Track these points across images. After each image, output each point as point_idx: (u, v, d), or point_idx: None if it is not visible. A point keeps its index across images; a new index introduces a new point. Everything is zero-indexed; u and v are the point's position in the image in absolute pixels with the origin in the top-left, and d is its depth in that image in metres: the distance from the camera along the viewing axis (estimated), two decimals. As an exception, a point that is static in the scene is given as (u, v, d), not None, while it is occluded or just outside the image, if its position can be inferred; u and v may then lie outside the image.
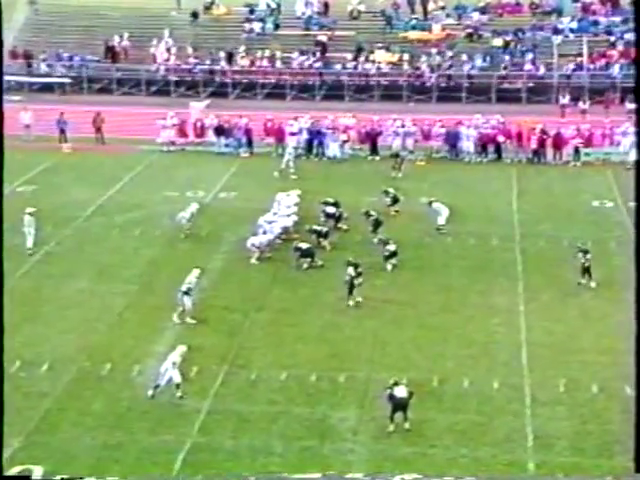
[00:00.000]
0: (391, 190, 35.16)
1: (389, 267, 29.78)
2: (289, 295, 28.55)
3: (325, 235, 31.56)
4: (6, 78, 53.87)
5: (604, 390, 22.82)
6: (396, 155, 40.51)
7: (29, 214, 31.00)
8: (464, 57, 53.04)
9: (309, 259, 30.00)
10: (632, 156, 41.08)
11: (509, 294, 28.24)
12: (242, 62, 54.33)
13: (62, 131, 44.38)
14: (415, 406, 22.08)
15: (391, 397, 21.02)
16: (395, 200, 34.91)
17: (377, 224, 32.02)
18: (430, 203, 33.67)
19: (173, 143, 44.29)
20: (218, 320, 26.78)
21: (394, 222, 33.83)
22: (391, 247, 29.98)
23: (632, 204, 35.51)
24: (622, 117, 44.25)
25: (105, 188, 37.84)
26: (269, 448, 20.61)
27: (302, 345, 25.22)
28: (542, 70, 52.18)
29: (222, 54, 54.52)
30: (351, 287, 27.15)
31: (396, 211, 34.76)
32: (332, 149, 42.98)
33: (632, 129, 41.84)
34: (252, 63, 54.28)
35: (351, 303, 27.15)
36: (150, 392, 22.37)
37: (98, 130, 44.90)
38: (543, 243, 32.44)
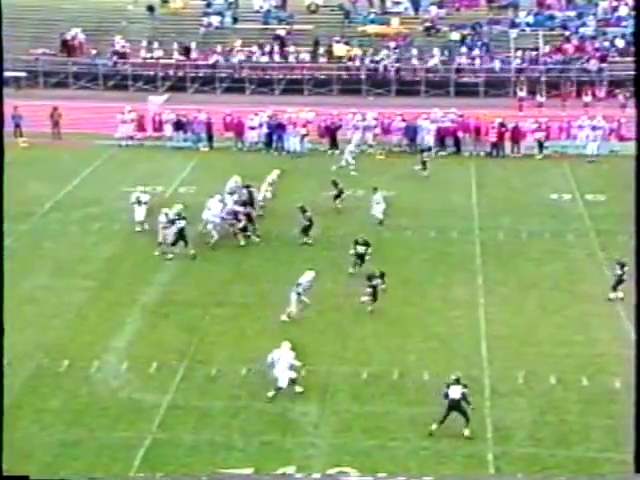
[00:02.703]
0: (339, 183, 34.98)
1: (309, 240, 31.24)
2: (249, 290, 28.52)
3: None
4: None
5: (561, 381, 23.03)
6: (425, 150, 40.20)
7: None
8: (422, 51, 53.18)
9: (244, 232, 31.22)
10: (590, 149, 41.48)
11: (469, 287, 28.40)
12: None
13: (17, 126, 44.01)
14: (376, 399, 22.27)
15: (446, 396, 20.82)
16: (340, 193, 34.64)
17: (310, 223, 31.48)
18: (375, 189, 33.58)
19: (131, 138, 44.08)
20: (178, 315, 26.71)
21: (353, 216, 33.88)
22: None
23: (589, 197, 36.10)
24: (579, 111, 44.65)
25: (62, 183, 37.61)
26: (230, 443, 20.61)
27: (263, 340, 25.14)
28: (499, 64, 52.42)
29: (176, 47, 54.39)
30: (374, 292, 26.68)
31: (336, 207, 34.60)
32: (292, 143, 42.97)
33: (588, 122, 42.32)
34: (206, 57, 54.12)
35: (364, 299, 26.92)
36: (271, 394, 22.13)
37: (55, 125, 44.63)
38: (502, 236, 32.64)
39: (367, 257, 28.50)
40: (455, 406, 20.70)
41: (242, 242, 31.35)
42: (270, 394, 22.06)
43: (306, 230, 31.40)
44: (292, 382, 22.18)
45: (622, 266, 27.01)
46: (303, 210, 31.52)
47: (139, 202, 32.61)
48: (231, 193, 33.07)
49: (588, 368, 23.61)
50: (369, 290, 26.44)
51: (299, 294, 26.17)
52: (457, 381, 20.94)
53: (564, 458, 20.09)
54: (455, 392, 20.77)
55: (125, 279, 29.18)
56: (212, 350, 24.72)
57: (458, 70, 52.28)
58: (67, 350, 24.61)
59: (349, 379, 22.91)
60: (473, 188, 37.83)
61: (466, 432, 20.66)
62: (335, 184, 34.69)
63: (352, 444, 20.55)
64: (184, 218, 30.58)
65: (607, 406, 22.03)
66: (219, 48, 54.05)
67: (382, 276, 26.53)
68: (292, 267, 29.71)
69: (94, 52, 54.78)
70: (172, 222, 30.62)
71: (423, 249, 31.48)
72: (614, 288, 27.22)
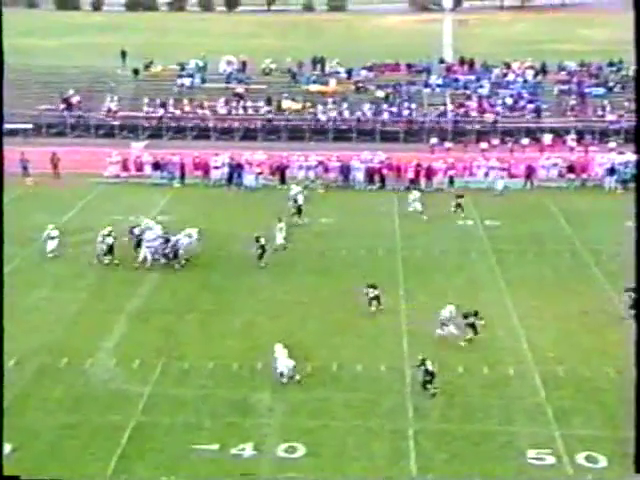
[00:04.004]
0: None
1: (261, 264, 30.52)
2: (215, 299, 28.34)
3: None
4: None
5: (467, 370, 23.18)
6: (460, 196, 37.85)
7: None
8: (354, 105, 53.57)
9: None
10: (498, 186, 41.55)
11: (392, 295, 28.35)
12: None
13: (25, 168, 43.50)
14: (318, 387, 22.21)
15: (426, 370, 21.50)
16: (299, 210, 35.81)
17: (263, 251, 30.80)
18: (279, 219, 33.16)
19: (118, 176, 43.74)
20: (156, 321, 26.46)
21: (301, 237, 33.92)
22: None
23: (488, 222, 36.38)
24: (477, 154, 45.20)
25: (61, 214, 37.07)
26: (200, 424, 20.46)
27: (226, 340, 25.08)
28: (415, 116, 52.91)
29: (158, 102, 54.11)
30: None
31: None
32: (248, 180, 42.89)
33: (484, 163, 42.93)
34: (182, 110, 53.96)
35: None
36: (285, 380, 22.21)
37: (55, 167, 44.14)
38: (419, 253, 32.79)
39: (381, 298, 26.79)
40: (432, 374, 21.42)
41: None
42: (284, 380, 22.20)
43: (261, 256, 30.76)
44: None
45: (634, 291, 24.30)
46: (257, 240, 30.87)
47: (51, 237, 32.01)
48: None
49: (488, 359, 23.80)
50: (468, 326, 24.78)
51: (444, 324, 24.91)
52: (424, 360, 21.76)
53: (469, 432, 20.23)
54: (430, 365, 21.53)
55: (112, 291, 28.86)
56: (185, 349, 24.51)
57: (383, 121, 52.67)
58: (66, 350, 24.26)
59: (296, 371, 22.80)
60: (395, 215, 37.99)
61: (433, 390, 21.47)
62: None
63: (300, 424, 20.50)
64: (114, 237, 31.06)
65: (503, 389, 22.25)
66: (191, 103, 54.03)
67: (476, 314, 24.81)
68: (250, 280, 29.70)
69: (88, 107, 54.42)
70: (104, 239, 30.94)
71: (356, 264, 31.53)
72: (632, 310, 24.77)
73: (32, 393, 21.93)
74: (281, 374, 22.28)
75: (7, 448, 19.08)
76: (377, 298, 26.70)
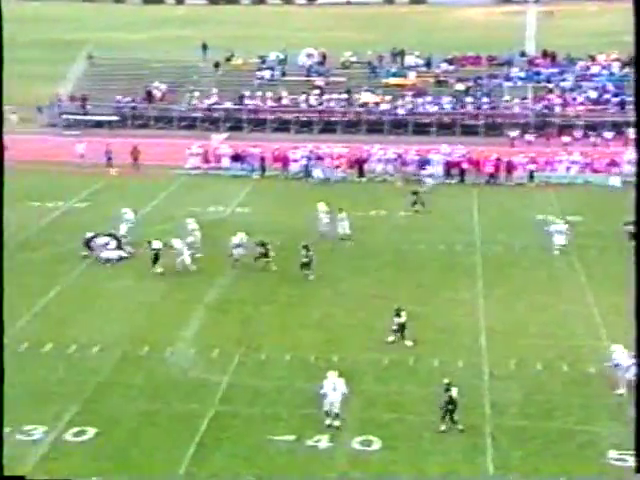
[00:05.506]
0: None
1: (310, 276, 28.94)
2: (293, 291, 28.45)
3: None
4: (65, 117, 54.25)
5: (547, 367, 22.79)
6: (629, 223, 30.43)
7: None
8: (434, 99, 53.13)
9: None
10: (611, 182, 40.65)
11: (471, 290, 28.16)
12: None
13: (109, 159, 44.51)
14: (395, 380, 22.11)
15: (450, 397, 19.69)
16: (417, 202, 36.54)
17: (309, 263, 29.02)
18: (340, 210, 32.74)
19: (198, 168, 44.34)
20: (235, 312, 26.70)
21: (377, 231, 33.82)
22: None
23: (569, 217, 35.69)
24: (559, 148, 44.33)
25: (144, 204, 37.70)
26: (277, 415, 20.57)
27: (303, 332, 25.16)
28: (496, 110, 52.19)
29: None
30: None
31: (416, 211, 36.25)
32: (327, 173, 42.89)
33: (566, 157, 42.25)
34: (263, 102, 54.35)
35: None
36: (328, 422, 19.99)
37: (135, 159, 44.92)
38: (499, 248, 32.35)
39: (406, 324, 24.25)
40: (455, 403, 19.85)
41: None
42: (328, 422, 19.98)
43: (308, 265, 28.95)
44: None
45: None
46: (307, 248, 29.35)
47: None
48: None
49: (568, 357, 23.36)
50: None
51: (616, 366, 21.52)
52: (449, 384, 20.07)
53: (548, 429, 19.88)
54: (454, 392, 20.00)
55: (192, 281, 29.20)
56: (263, 340, 24.68)
57: (463, 114, 52.11)
58: (147, 338, 24.67)
59: (373, 364, 22.80)
60: (475, 210, 37.57)
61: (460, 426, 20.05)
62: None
63: (376, 417, 20.45)
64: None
65: (583, 388, 21.80)
66: (271, 96, 54.42)
67: None
68: (328, 272, 29.66)
69: (171, 99, 55.42)
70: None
71: (434, 259, 31.30)
72: None
73: (115, 380, 22.36)
74: (327, 413, 19.97)
75: (91, 432, 19.64)
76: (402, 327, 24.01)
